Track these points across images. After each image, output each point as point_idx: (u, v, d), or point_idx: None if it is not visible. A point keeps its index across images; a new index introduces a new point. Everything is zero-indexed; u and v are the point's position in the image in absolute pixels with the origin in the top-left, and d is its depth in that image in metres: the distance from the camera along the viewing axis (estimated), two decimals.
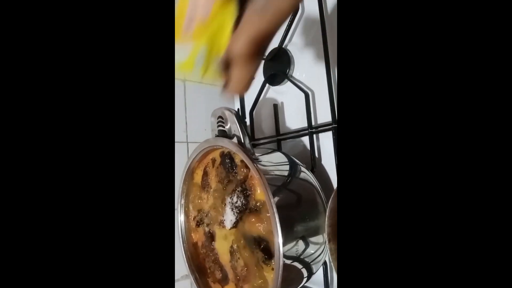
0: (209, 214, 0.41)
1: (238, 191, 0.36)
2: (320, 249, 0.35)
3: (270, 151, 0.42)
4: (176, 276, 0.57)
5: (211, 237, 0.41)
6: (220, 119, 0.38)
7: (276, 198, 0.31)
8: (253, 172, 0.34)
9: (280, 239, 0.29)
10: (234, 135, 0.36)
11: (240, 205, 0.36)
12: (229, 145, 0.36)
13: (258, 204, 0.34)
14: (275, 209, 0.30)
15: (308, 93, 0.43)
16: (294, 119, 0.48)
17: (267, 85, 0.50)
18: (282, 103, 0.50)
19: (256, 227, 0.34)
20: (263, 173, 0.32)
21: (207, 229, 0.42)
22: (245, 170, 0.36)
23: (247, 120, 0.52)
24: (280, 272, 0.29)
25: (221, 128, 0.38)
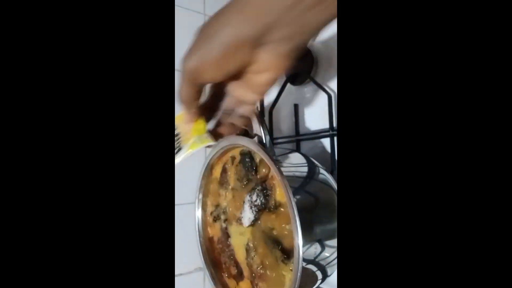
0: (226, 211, 0.42)
1: (258, 190, 0.36)
2: (336, 253, 0.35)
3: (288, 151, 0.42)
4: (190, 268, 0.59)
5: (227, 233, 0.42)
6: None
7: (297, 200, 0.31)
8: (274, 173, 0.34)
9: (300, 241, 0.30)
10: (256, 134, 0.37)
11: (259, 204, 0.36)
12: (250, 145, 0.36)
13: (277, 204, 0.35)
14: (296, 212, 0.30)
15: (331, 94, 0.43)
16: (313, 120, 0.48)
17: (288, 84, 0.50)
18: (302, 103, 0.50)
19: (279, 226, 0.34)
20: (284, 174, 0.32)
21: (223, 225, 0.42)
22: (264, 170, 0.37)
23: (266, 118, 0.52)
24: (299, 274, 0.29)
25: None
